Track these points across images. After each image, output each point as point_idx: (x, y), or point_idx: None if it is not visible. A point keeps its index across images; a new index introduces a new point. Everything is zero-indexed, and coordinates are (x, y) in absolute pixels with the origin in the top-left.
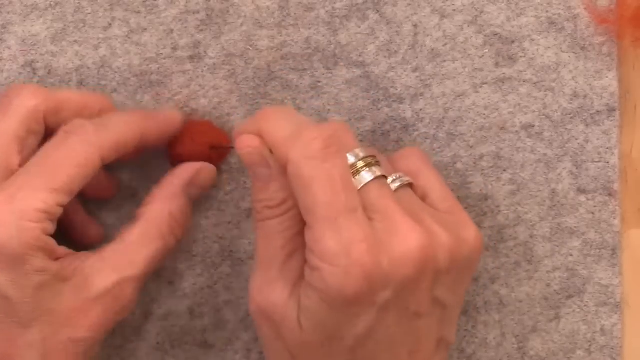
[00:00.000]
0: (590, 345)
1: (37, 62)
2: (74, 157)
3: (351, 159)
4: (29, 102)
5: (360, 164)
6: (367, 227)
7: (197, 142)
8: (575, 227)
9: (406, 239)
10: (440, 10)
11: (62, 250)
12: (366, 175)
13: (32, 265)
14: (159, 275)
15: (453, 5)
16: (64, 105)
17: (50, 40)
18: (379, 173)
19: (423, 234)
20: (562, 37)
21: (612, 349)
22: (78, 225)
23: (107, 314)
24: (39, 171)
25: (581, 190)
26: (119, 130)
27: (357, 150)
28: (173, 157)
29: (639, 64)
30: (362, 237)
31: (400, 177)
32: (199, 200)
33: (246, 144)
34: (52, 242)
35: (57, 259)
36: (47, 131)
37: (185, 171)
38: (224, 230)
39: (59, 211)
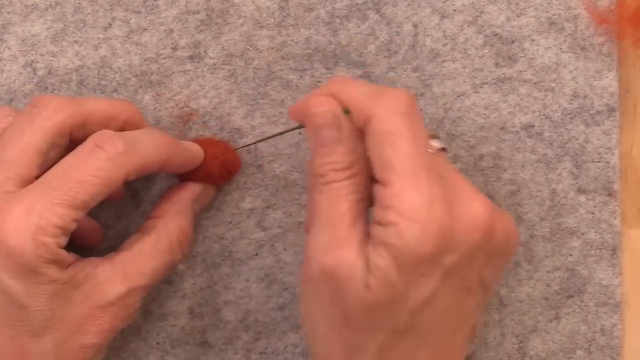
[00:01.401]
0: (590, 345)
1: (37, 62)
2: (98, 174)
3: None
4: (56, 117)
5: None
6: (443, 188)
7: (211, 161)
8: (575, 227)
9: (475, 206)
10: (440, 10)
11: (72, 257)
12: (434, 144)
13: (46, 275)
14: None
15: (453, 5)
16: (90, 119)
17: (51, 40)
18: (443, 144)
19: (489, 205)
20: (562, 37)
21: (612, 348)
22: (79, 228)
23: (115, 321)
24: (60, 184)
25: (581, 190)
26: (147, 153)
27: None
28: (181, 176)
29: (639, 64)
30: (440, 197)
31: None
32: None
33: (321, 103)
34: (65, 254)
35: (67, 266)
36: (70, 142)
37: (194, 188)
38: (224, 230)
39: (74, 226)
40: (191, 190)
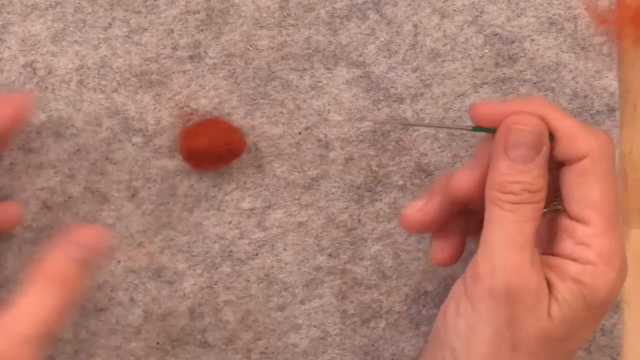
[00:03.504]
0: (590, 345)
1: (37, 62)
2: None
3: None
4: None
5: None
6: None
7: (215, 141)
8: None
9: (624, 264)
10: (440, 10)
11: None
12: None
13: None
14: (159, 275)
15: (453, 5)
16: None
17: (51, 40)
18: None
19: None
20: (562, 37)
21: (613, 348)
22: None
23: None
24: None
25: None
26: None
27: None
28: (188, 152)
29: (639, 64)
30: (624, 245)
31: None
32: (199, 200)
33: (528, 122)
34: None
35: None
36: None
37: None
38: (224, 230)
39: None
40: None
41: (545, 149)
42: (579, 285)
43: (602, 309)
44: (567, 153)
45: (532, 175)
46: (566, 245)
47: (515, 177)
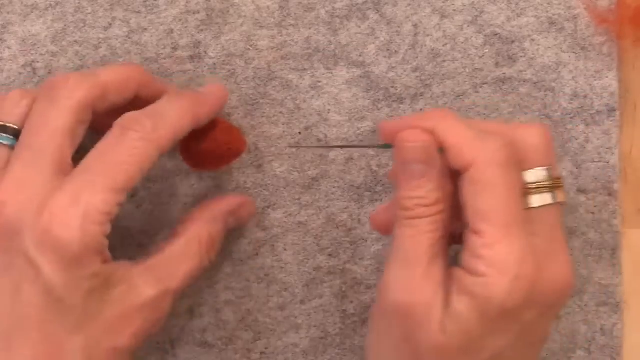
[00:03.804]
0: (590, 345)
1: (37, 62)
2: (134, 155)
3: (542, 176)
4: (77, 94)
5: (548, 182)
6: (532, 244)
7: (216, 141)
8: (575, 227)
9: (563, 269)
10: (440, 10)
11: (109, 254)
12: (549, 197)
13: (88, 268)
14: None
15: (453, 5)
16: (108, 89)
17: (51, 40)
18: (560, 199)
19: (572, 268)
20: (562, 37)
21: (612, 348)
22: None
23: (146, 324)
24: (100, 170)
25: (581, 190)
26: (174, 122)
27: (552, 167)
28: (188, 152)
29: (639, 64)
30: (530, 253)
31: (565, 196)
32: (199, 200)
33: (413, 138)
34: (107, 244)
35: (105, 262)
36: (93, 115)
37: (230, 200)
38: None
39: (117, 210)
40: (227, 202)
41: (436, 162)
42: (471, 298)
43: (504, 318)
44: (457, 164)
45: (426, 190)
46: (465, 257)
47: (409, 193)
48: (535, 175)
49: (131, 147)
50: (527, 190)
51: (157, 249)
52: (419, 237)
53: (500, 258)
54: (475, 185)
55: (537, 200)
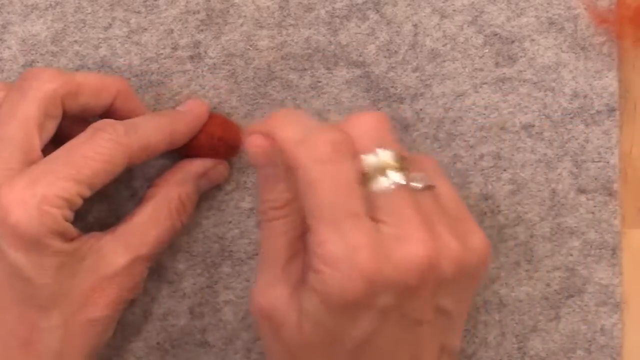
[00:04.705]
0: (590, 345)
1: (37, 62)
2: (100, 153)
3: (381, 156)
4: (47, 86)
5: (387, 164)
6: (372, 232)
7: (209, 135)
8: (575, 227)
9: (412, 247)
10: (440, 10)
11: (76, 231)
12: (391, 178)
13: (51, 247)
14: (159, 275)
15: (453, 5)
16: (82, 89)
17: (51, 40)
18: (402, 178)
19: (431, 242)
20: (562, 37)
21: (612, 348)
22: None
23: (121, 291)
24: (64, 162)
25: (581, 190)
26: (148, 134)
27: (387, 150)
28: (184, 146)
29: (639, 64)
30: (365, 243)
31: (423, 178)
32: (199, 200)
33: (255, 144)
34: (70, 227)
35: (72, 239)
36: (64, 114)
37: (202, 162)
38: (224, 230)
39: (79, 202)
40: (197, 164)
41: (280, 164)
42: (315, 293)
43: (352, 308)
44: (290, 165)
45: (277, 192)
46: (308, 256)
47: (263, 197)
48: (367, 160)
49: (99, 145)
50: (368, 176)
51: (128, 217)
52: (274, 238)
53: (330, 254)
54: (304, 185)
55: (374, 185)
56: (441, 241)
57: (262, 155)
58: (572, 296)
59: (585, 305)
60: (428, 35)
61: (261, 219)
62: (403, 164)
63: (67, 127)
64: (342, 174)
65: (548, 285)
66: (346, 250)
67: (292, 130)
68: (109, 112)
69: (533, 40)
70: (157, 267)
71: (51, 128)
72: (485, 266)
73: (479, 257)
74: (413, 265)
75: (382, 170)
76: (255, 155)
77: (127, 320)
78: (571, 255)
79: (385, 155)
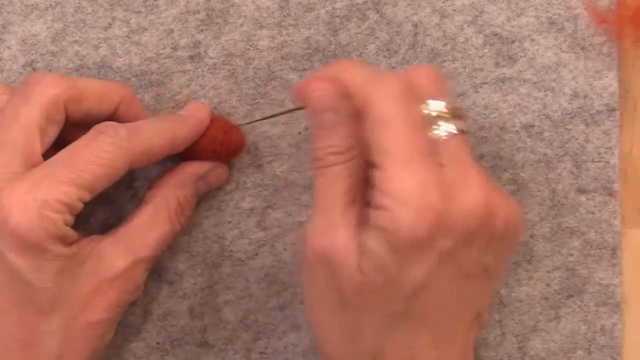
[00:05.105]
0: (590, 345)
1: (37, 62)
2: (102, 156)
3: (440, 106)
4: (50, 91)
5: (448, 112)
6: (440, 172)
7: (211, 139)
8: (575, 227)
9: (475, 194)
10: (440, 10)
11: (76, 235)
12: (451, 126)
13: (51, 252)
14: (159, 275)
15: (453, 5)
16: (85, 94)
17: (51, 40)
18: (462, 126)
19: (490, 192)
20: (562, 37)
21: (612, 348)
22: None
23: (122, 294)
24: (65, 165)
25: (581, 190)
26: (151, 138)
27: (448, 99)
28: (185, 150)
29: (639, 64)
30: (435, 182)
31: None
32: (199, 200)
33: (320, 87)
34: (70, 231)
35: (72, 243)
36: (67, 120)
37: (199, 165)
38: (224, 230)
39: (80, 206)
40: (192, 166)
41: (344, 109)
42: (380, 232)
43: (415, 247)
44: (358, 105)
45: (336, 137)
46: (372, 194)
47: (320, 143)
48: (433, 106)
49: (101, 149)
50: (428, 122)
51: (127, 219)
52: (333, 184)
53: (403, 190)
54: (375, 122)
55: (439, 130)
56: (495, 192)
57: (326, 98)
58: (572, 296)
59: (585, 305)
60: (428, 35)
61: (317, 166)
62: (458, 114)
63: (70, 132)
64: (414, 113)
65: (548, 285)
66: (418, 187)
67: (360, 71)
68: (112, 119)
69: (533, 40)
70: (157, 267)
71: (53, 133)
72: (521, 230)
73: (520, 219)
74: (475, 213)
75: (443, 118)
76: (319, 99)
77: (127, 321)
78: (571, 255)
79: (443, 104)
